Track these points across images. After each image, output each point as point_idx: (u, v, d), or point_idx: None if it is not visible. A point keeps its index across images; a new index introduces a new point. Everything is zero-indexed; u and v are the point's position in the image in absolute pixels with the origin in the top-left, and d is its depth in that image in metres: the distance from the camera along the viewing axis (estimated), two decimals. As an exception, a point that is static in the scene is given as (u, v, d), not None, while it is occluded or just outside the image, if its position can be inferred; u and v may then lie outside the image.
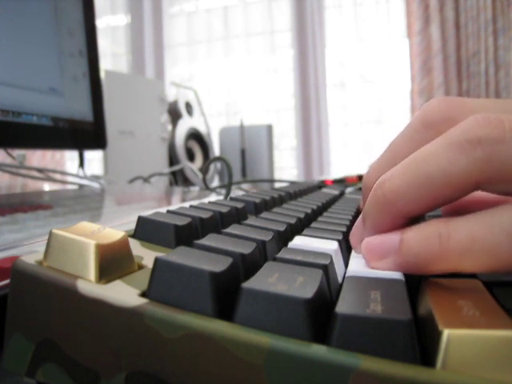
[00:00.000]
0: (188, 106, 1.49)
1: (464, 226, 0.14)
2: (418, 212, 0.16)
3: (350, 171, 0.86)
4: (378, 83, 2.21)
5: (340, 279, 0.18)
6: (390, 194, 0.16)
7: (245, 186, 0.89)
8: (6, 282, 0.19)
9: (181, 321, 0.12)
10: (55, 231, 0.15)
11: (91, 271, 0.14)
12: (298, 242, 0.20)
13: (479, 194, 0.20)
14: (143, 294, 0.14)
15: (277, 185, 1.09)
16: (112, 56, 2.57)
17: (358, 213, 0.33)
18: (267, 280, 0.13)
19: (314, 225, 0.25)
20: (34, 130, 0.51)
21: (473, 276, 0.17)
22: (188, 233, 0.20)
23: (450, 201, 0.16)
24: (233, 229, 0.21)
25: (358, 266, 0.17)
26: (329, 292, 0.15)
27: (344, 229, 0.24)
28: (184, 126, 1.42)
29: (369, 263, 0.16)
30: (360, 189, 0.57)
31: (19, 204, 0.46)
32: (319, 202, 0.36)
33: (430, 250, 0.14)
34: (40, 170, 0.72)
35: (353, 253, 0.20)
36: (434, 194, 0.15)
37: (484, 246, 0.13)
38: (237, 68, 2.42)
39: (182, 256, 0.14)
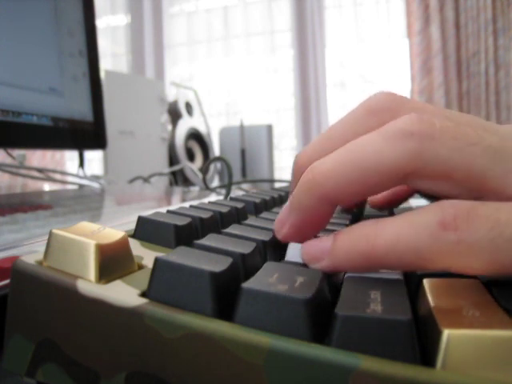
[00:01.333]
0: (188, 106, 1.49)
1: (390, 226, 0.15)
2: (345, 198, 0.16)
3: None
4: (378, 83, 2.21)
5: (340, 279, 0.18)
6: (319, 175, 0.16)
7: (245, 186, 0.89)
8: (6, 282, 0.19)
9: (181, 321, 0.12)
10: (55, 231, 0.15)
11: (91, 271, 0.14)
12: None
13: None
14: (143, 294, 0.14)
15: (277, 185, 1.09)
16: (112, 56, 2.57)
17: (357, 212, 0.33)
18: (267, 280, 0.13)
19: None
20: (34, 130, 0.51)
21: (473, 276, 0.17)
22: (188, 233, 0.20)
23: (377, 190, 0.16)
24: (233, 229, 0.21)
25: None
26: (329, 292, 0.15)
27: (342, 228, 0.24)
28: (184, 126, 1.42)
29: (309, 265, 0.17)
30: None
31: (19, 204, 0.46)
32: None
33: (358, 250, 0.15)
34: (40, 170, 0.72)
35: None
36: (363, 180, 0.16)
37: (408, 246, 0.14)
38: (237, 68, 2.42)
39: (182, 256, 0.14)
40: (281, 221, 0.18)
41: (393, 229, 0.14)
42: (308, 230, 0.18)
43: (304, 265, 0.16)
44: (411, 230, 0.14)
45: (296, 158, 0.21)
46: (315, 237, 0.17)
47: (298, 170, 0.20)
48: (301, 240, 0.18)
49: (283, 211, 0.19)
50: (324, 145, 0.19)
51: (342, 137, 0.18)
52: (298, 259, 0.17)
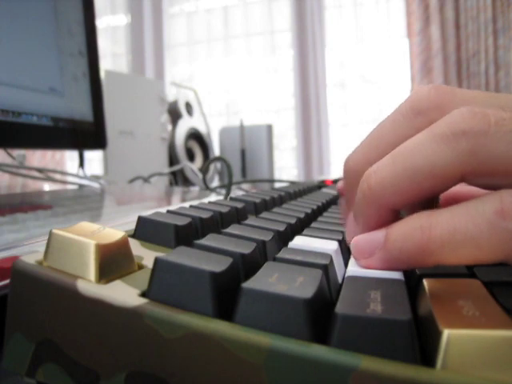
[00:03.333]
0: (188, 106, 1.49)
1: (446, 217, 0.14)
2: (404, 204, 0.16)
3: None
4: (378, 83, 2.21)
5: (340, 279, 0.18)
6: (376, 186, 0.16)
7: (245, 186, 0.89)
8: (6, 282, 0.19)
9: (181, 321, 0.12)
10: (55, 231, 0.15)
11: (91, 271, 0.14)
12: (298, 241, 0.20)
13: (467, 189, 0.20)
14: (143, 294, 0.14)
15: (277, 185, 1.09)
16: (112, 56, 2.57)
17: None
18: (267, 280, 0.13)
19: (314, 225, 0.25)
20: (34, 130, 0.51)
21: (473, 276, 0.17)
22: (188, 233, 0.20)
23: (435, 193, 0.16)
24: (233, 229, 0.21)
25: (357, 265, 0.17)
26: (329, 292, 0.15)
27: (344, 229, 0.24)
28: (184, 126, 1.42)
29: (358, 262, 0.17)
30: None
31: (19, 204, 0.46)
32: (319, 202, 0.36)
33: (412, 242, 0.15)
34: (40, 170, 0.72)
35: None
36: (420, 186, 0.15)
37: (465, 237, 0.13)
38: (237, 68, 2.42)
39: (182, 256, 0.14)
40: (351, 232, 0.18)
41: (449, 219, 0.14)
42: None
43: (304, 264, 0.16)
44: (468, 219, 0.14)
45: (346, 162, 0.21)
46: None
47: (350, 175, 0.20)
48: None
49: (350, 224, 0.19)
50: (373, 148, 0.19)
51: (391, 140, 0.18)
52: (301, 247, 0.18)
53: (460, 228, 0.14)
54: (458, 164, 0.15)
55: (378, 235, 0.16)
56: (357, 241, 0.17)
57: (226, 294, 0.13)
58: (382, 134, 0.19)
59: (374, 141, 0.19)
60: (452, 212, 0.14)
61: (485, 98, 0.17)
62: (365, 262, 0.16)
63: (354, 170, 0.19)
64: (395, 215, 0.17)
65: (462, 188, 0.23)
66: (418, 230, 0.14)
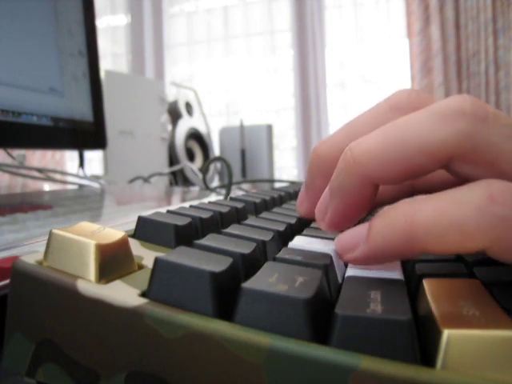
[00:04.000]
0: (188, 106, 1.49)
1: (431, 203, 0.14)
2: (388, 179, 0.16)
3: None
4: (378, 83, 2.21)
5: (340, 279, 0.18)
6: (361, 156, 0.15)
7: (245, 186, 0.89)
8: (6, 282, 0.19)
9: (181, 321, 0.12)
10: (55, 231, 0.15)
11: (91, 271, 0.14)
12: (298, 242, 0.20)
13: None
14: (143, 294, 0.14)
15: (277, 185, 1.09)
16: (112, 56, 2.57)
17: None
18: (267, 280, 0.13)
19: (314, 225, 0.25)
20: (34, 130, 0.51)
21: (473, 276, 0.17)
22: (188, 233, 0.20)
23: (421, 172, 0.15)
24: (233, 229, 0.21)
25: (357, 266, 0.17)
26: (329, 292, 0.15)
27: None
28: (184, 126, 1.42)
29: (342, 257, 0.16)
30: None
31: (19, 204, 0.46)
32: (319, 202, 0.36)
33: (395, 230, 0.14)
34: (40, 170, 0.72)
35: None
36: (408, 161, 0.15)
37: (452, 223, 0.13)
38: (237, 68, 2.42)
39: (182, 256, 0.14)
40: (322, 208, 0.17)
41: (434, 205, 0.13)
42: (352, 215, 0.17)
43: (304, 264, 0.16)
44: (455, 204, 0.13)
45: (315, 149, 0.20)
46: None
47: (317, 161, 0.19)
48: (344, 225, 0.17)
49: (323, 198, 0.18)
50: (346, 136, 0.18)
51: (367, 128, 0.17)
52: (301, 247, 0.17)
53: (446, 214, 0.13)
54: (452, 144, 0.14)
55: (361, 228, 0.15)
56: (340, 237, 0.16)
57: (226, 293, 0.13)
58: (358, 123, 0.19)
59: (349, 129, 0.19)
60: (438, 198, 0.14)
61: None
62: (348, 257, 0.16)
63: (326, 155, 0.19)
64: (375, 192, 0.16)
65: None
66: (401, 217, 0.14)
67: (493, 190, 0.13)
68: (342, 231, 0.17)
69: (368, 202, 0.17)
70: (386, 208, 0.15)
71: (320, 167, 0.19)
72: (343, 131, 0.19)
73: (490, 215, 0.13)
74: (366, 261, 0.15)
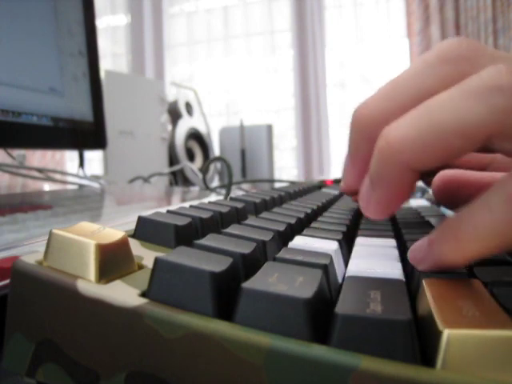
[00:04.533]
0: (188, 106, 1.49)
1: (487, 215, 0.14)
2: (427, 164, 0.15)
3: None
4: (378, 83, 2.21)
5: (340, 279, 0.18)
6: (396, 142, 0.15)
7: (245, 186, 0.89)
8: (6, 282, 0.19)
9: (181, 321, 0.12)
10: (55, 231, 0.15)
11: (91, 271, 0.14)
12: (298, 241, 0.20)
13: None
14: (143, 294, 0.14)
15: (277, 185, 1.09)
16: (112, 56, 2.57)
17: (358, 212, 0.33)
18: (267, 280, 0.13)
19: (313, 225, 0.25)
20: (34, 130, 0.51)
21: (473, 276, 0.17)
22: (188, 233, 0.20)
23: (460, 154, 0.15)
24: (233, 229, 0.21)
25: (357, 266, 0.17)
26: (329, 292, 0.15)
27: (344, 229, 0.24)
28: (184, 126, 1.42)
29: (417, 267, 0.17)
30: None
31: (19, 204, 0.46)
32: (319, 202, 0.36)
33: (447, 245, 0.15)
34: (40, 170, 0.72)
35: (353, 253, 0.20)
36: (445, 145, 0.14)
37: (492, 232, 0.14)
38: (237, 68, 2.42)
39: (182, 256, 0.14)
40: (365, 198, 0.17)
41: (489, 217, 0.14)
42: (396, 202, 0.17)
43: (304, 264, 0.16)
44: (485, 209, 0.14)
45: (355, 114, 0.18)
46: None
47: (359, 126, 0.18)
48: (390, 213, 0.17)
49: (365, 186, 0.17)
50: (391, 100, 0.17)
51: (412, 90, 0.16)
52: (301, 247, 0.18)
53: (500, 230, 0.14)
54: (491, 122, 0.13)
55: (424, 242, 0.16)
56: (411, 251, 0.17)
57: (226, 294, 0.13)
58: (402, 84, 0.17)
59: (392, 91, 0.17)
60: (491, 208, 0.14)
61: None
62: (421, 268, 0.16)
63: (366, 121, 0.17)
64: (416, 177, 0.16)
65: (458, 172, 0.23)
66: (450, 233, 0.15)
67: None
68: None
69: (409, 188, 0.16)
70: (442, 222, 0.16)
71: (363, 133, 0.18)
72: (385, 91, 0.17)
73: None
74: (436, 269, 0.16)
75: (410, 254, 0.17)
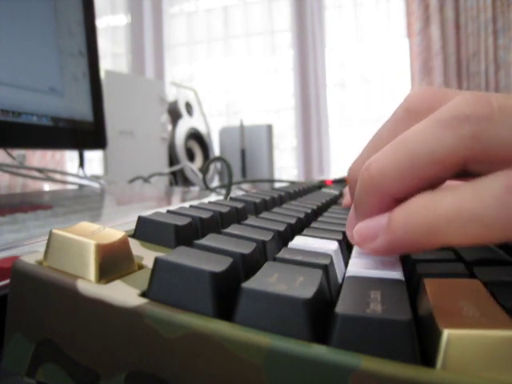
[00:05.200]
0: (188, 106, 1.49)
1: (451, 196, 0.14)
2: (405, 192, 0.16)
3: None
4: (378, 83, 2.21)
5: (340, 279, 0.18)
6: (376, 173, 0.16)
7: (245, 186, 0.89)
8: (6, 282, 0.19)
9: (181, 321, 0.12)
10: (55, 231, 0.15)
11: (91, 271, 0.14)
12: (298, 241, 0.20)
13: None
14: (143, 294, 0.14)
15: (277, 185, 1.09)
16: (112, 56, 2.57)
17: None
18: (267, 280, 0.13)
19: (314, 225, 0.25)
20: (34, 130, 0.51)
21: (473, 276, 0.17)
22: (188, 233, 0.20)
23: (437, 180, 0.16)
24: (233, 229, 0.21)
25: (357, 266, 0.17)
26: (329, 292, 0.15)
27: (344, 229, 0.24)
28: (184, 126, 1.42)
29: (361, 247, 0.16)
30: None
31: (19, 204, 0.46)
32: (319, 202, 0.36)
33: (417, 221, 0.14)
34: (40, 170, 0.72)
35: (353, 253, 0.20)
36: (421, 173, 0.15)
37: (472, 215, 0.13)
38: (237, 68, 2.42)
39: (182, 256, 0.14)
40: (351, 225, 0.18)
41: (454, 197, 0.14)
42: None
43: (304, 264, 0.16)
44: (475, 196, 0.13)
45: (348, 170, 0.21)
46: None
47: (351, 179, 0.20)
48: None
49: (350, 217, 0.19)
50: (372, 151, 0.18)
51: (386, 143, 0.17)
52: (301, 247, 0.18)
53: (466, 206, 0.13)
54: (461, 149, 0.14)
55: (381, 218, 0.16)
56: (359, 227, 0.16)
57: (226, 294, 0.13)
58: (380, 137, 0.19)
59: (373, 145, 0.20)
60: (457, 190, 0.14)
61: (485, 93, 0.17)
62: (368, 246, 0.16)
63: (354, 175, 0.19)
64: (396, 204, 0.16)
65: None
66: (422, 209, 0.14)
67: (511, 179, 0.13)
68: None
69: None
70: (407, 201, 0.15)
71: (352, 185, 0.20)
72: (369, 147, 0.20)
73: (510, 206, 0.13)
74: (385, 251, 0.15)
75: (356, 231, 0.16)
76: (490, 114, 0.14)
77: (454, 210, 0.13)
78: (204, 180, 0.67)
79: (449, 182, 0.17)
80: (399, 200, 0.16)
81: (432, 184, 0.16)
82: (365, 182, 0.16)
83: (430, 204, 0.14)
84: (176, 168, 1.26)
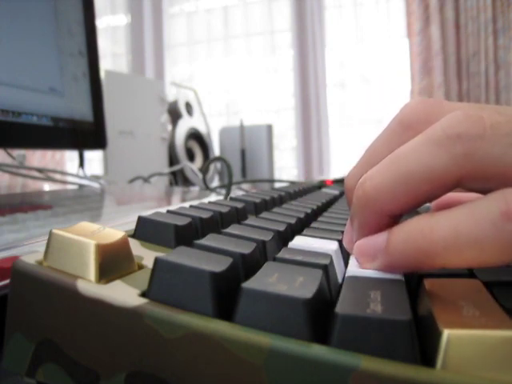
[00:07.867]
0: (188, 106, 1.49)
1: (448, 219, 0.14)
2: (400, 210, 0.16)
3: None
4: (378, 83, 2.21)
5: (340, 279, 0.18)
6: (371, 191, 0.16)
7: (245, 186, 0.89)
8: (6, 282, 0.19)
9: (181, 321, 0.12)
10: (55, 231, 0.15)
11: (91, 271, 0.14)
12: (298, 242, 0.20)
13: (462, 195, 0.20)
14: (143, 294, 0.14)
15: (277, 185, 1.09)
16: (112, 56, 2.57)
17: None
18: (267, 280, 0.13)
19: (313, 225, 0.25)
20: (34, 130, 0.51)
21: (473, 276, 0.17)
22: (188, 233, 0.20)
23: (431, 198, 0.16)
24: (233, 229, 0.21)
25: (358, 265, 0.17)
26: (329, 292, 0.15)
27: (344, 229, 0.24)
28: (184, 126, 1.42)
29: (362, 266, 0.16)
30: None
31: (19, 204, 0.46)
32: (319, 202, 0.36)
33: (413, 246, 0.14)
34: (40, 170, 0.72)
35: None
36: (415, 191, 0.15)
37: (469, 239, 0.13)
38: (237, 68, 2.42)
39: (182, 256, 0.14)
40: (349, 242, 0.19)
41: (450, 221, 0.14)
42: None
43: (304, 264, 0.16)
44: (471, 221, 0.13)
45: (345, 182, 0.21)
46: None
47: (348, 192, 0.21)
48: None
49: (347, 229, 0.19)
50: (367, 164, 0.19)
51: (384, 154, 0.17)
52: (301, 247, 0.18)
53: (463, 230, 0.13)
54: (454, 168, 0.14)
55: (380, 239, 0.16)
56: (359, 245, 0.17)
57: (226, 293, 0.13)
58: (375, 150, 0.19)
59: (368, 157, 0.20)
60: (454, 213, 0.14)
61: (478, 106, 0.17)
62: (367, 266, 0.16)
63: (351, 187, 0.20)
64: (392, 221, 0.17)
65: (455, 194, 0.23)
66: (419, 234, 0.14)
67: (509, 204, 0.13)
68: None
69: (386, 229, 0.17)
70: (405, 222, 0.15)
71: (349, 199, 0.20)
72: (364, 159, 0.20)
73: (507, 233, 0.13)
74: (385, 271, 0.16)
75: (357, 248, 0.17)
76: (482, 133, 0.14)
77: (450, 235, 0.13)
78: (204, 180, 0.67)
79: (450, 194, 0.17)
80: (395, 216, 0.16)
81: (428, 200, 0.16)
82: (360, 199, 0.17)
83: (426, 228, 0.14)
84: (176, 168, 1.26)
